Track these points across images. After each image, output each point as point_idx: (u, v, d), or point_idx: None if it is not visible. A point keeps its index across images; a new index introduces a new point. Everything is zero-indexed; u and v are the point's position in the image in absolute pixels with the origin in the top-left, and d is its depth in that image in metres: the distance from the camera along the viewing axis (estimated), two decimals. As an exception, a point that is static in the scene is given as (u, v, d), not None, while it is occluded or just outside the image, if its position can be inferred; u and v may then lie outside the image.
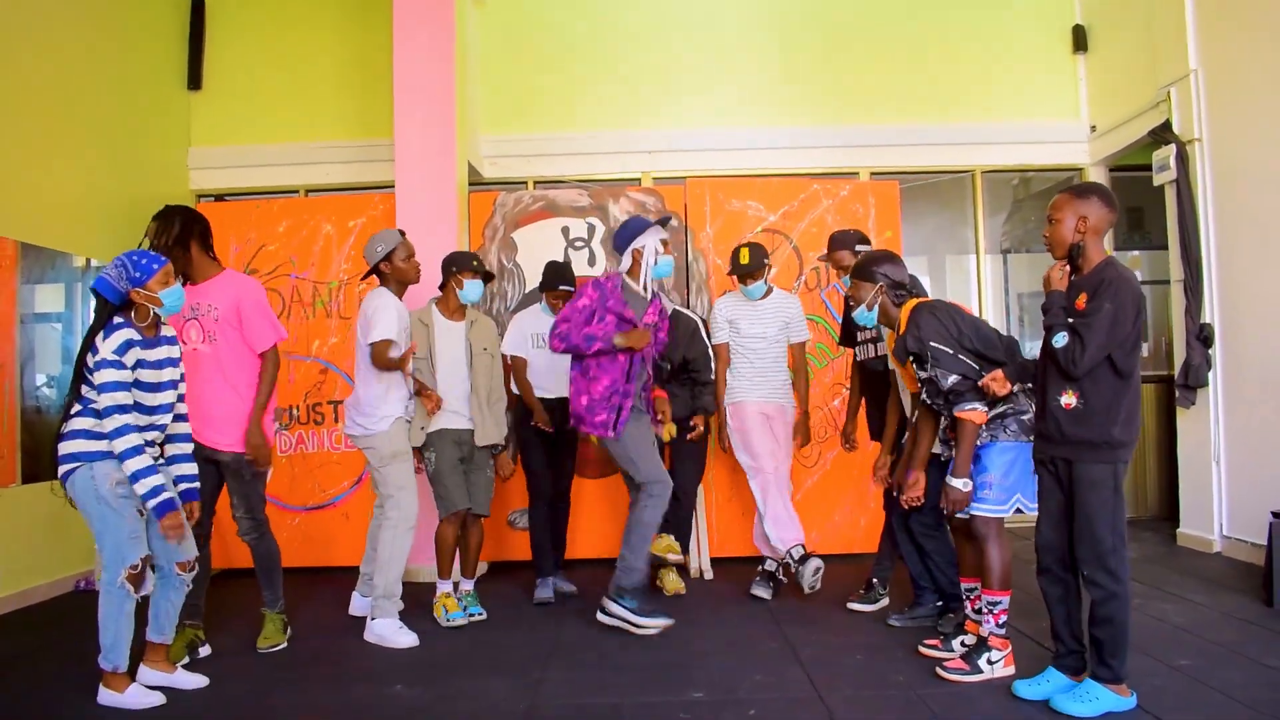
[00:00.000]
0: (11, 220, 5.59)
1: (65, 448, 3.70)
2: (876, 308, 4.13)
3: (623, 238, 4.79)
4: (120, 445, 3.63)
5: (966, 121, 7.64)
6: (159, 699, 3.78)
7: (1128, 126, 7.07)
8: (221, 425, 4.27)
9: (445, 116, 6.19)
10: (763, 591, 5.28)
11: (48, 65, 5.97)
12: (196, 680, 3.95)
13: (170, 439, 3.96)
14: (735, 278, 5.40)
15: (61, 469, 3.71)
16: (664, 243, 4.80)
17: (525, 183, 7.48)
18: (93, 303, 3.82)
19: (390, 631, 4.60)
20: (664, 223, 4.83)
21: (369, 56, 7.48)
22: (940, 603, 4.58)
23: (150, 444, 3.77)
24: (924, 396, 4.03)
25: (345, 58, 7.65)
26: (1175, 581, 5.32)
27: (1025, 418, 3.86)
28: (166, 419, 3.88)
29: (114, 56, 6.68)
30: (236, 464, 4.34)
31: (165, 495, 3.71)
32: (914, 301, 4.04)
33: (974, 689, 3.69)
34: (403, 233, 4.83)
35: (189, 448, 4.02)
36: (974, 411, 3.80)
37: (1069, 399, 3.42)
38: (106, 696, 3.75)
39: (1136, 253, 8.13)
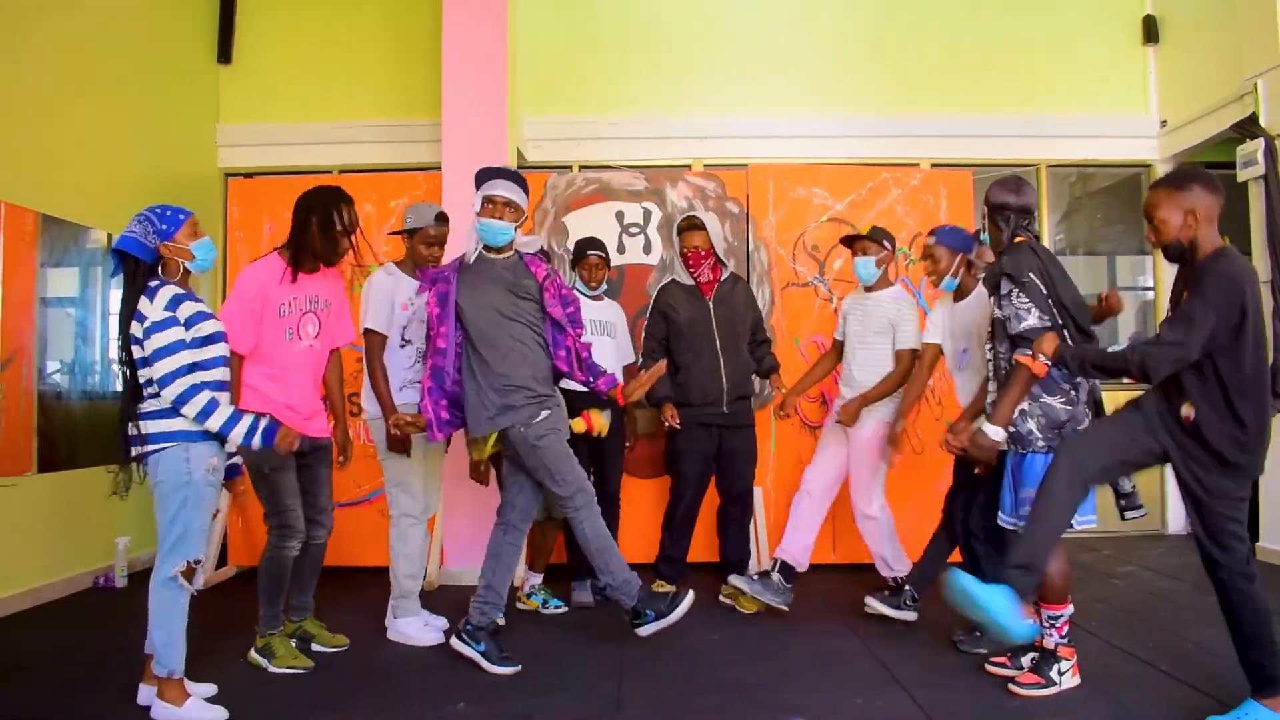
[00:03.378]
0: (32, 191, 5.25)
1: (151, 426, 3.34)
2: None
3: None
4: (193, 409, 3.30)
5: (1031, 114, 7.33)
6: (223, 713, 3.39)
7: (1203, 121, 6.77)
8: (318, 416, 4.13)
9: (496, 96, 5.87)
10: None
11: (72, 35, 5.66)
12: (213, 714, 3.40)
13: None
14: (850, 250, 4.91)
15: (148, 448, 3.35)
16: (495, 201, 3.98)
17: (570, 166, 7.15)
18: (112, 284, 3.44)
19: (414, 630, 4.43)
20: (507, 175, 4.07)
21: (408, 34, 7.20)
22: None
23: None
24: (988, 343, 3.85)
25: (383, 34, 7.35)
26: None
27: (1083, 430, 3.64)
28: (222, 373, 3.52)
29: (140, 26, 6.36)
30: (329, 450, 4.24)
31: (265, 424, 3.49)
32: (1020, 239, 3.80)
33: (1098, 715, 3.37)
34: (443, 218, 4.51)
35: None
36: (1035, 359, 3.48)
37: (1187, 410, 3.13)
38: (161, 709, 3.36)
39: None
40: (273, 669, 3.93)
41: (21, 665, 4.10)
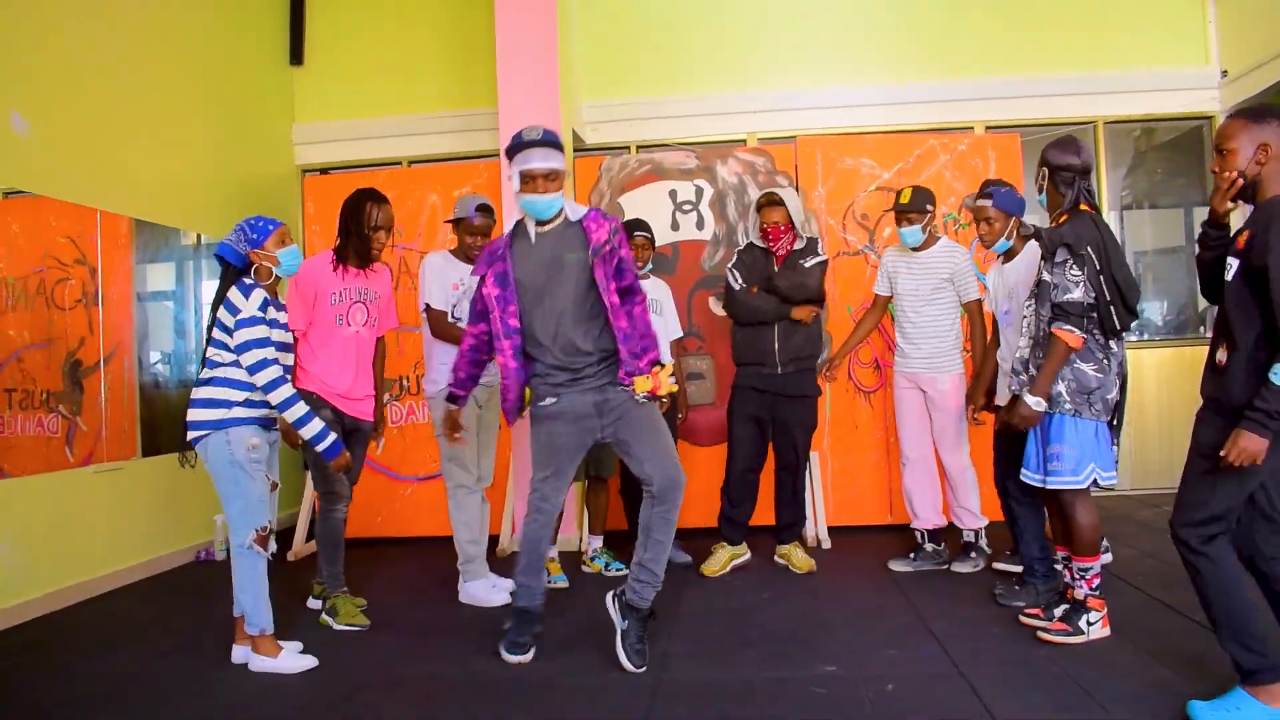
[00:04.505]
0: (125, 197, 5.65)
1: (195, 414, 3.72)
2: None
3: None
4: (277, 397, 3.70)
5: (1087, 70, 7.23)
6: (312, 661, 3.83)
7: (1264, 69, 6.64)
8: (366, 400, 4.51)
9: (548, 83, 6.07)
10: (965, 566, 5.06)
11: (155, 45, 6.02)
12: (305, 662, 3.85)
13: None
14: (895, 219, 5.03)
15: (193, 434, 3.74)
16: (535, 177, 3.62)
17: (628, 147, 7.34)
18: (209, 279, 3.86)
19: (483, 591, 4.74)
20: (539, 143, 3.65)
21: (467, 26, 7.43)
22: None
23: (256, 403, 3.81)
24: (1027, 303, 3.90)
25: (443, 28, 7.60)
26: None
27: (1110, 397, 3.75)
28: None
29: (218, 35, 6.73)
30: (367, 433, 4.60)
31: (328, 442, 3.87)
32: (1083, 206, 3.83)
33: (1127, 667, 3.48)
34: (484, 208, 4.79)
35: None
36: (1071, 334, 3.63)
37: (1221, 354, 2.95)
38: (258, 662, 3.80)
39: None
40: (336, 626, 4.33)
41: (131, 631, 4.54)
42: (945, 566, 5.05)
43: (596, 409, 3.78)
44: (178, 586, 5.44)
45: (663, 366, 3.77)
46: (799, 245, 5.07)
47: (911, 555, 5.12)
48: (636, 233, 5.28)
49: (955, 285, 4.96)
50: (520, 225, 3.81)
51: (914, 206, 4.88)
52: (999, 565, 4.91)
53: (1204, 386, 3.06)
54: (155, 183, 5.95)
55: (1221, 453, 2.79)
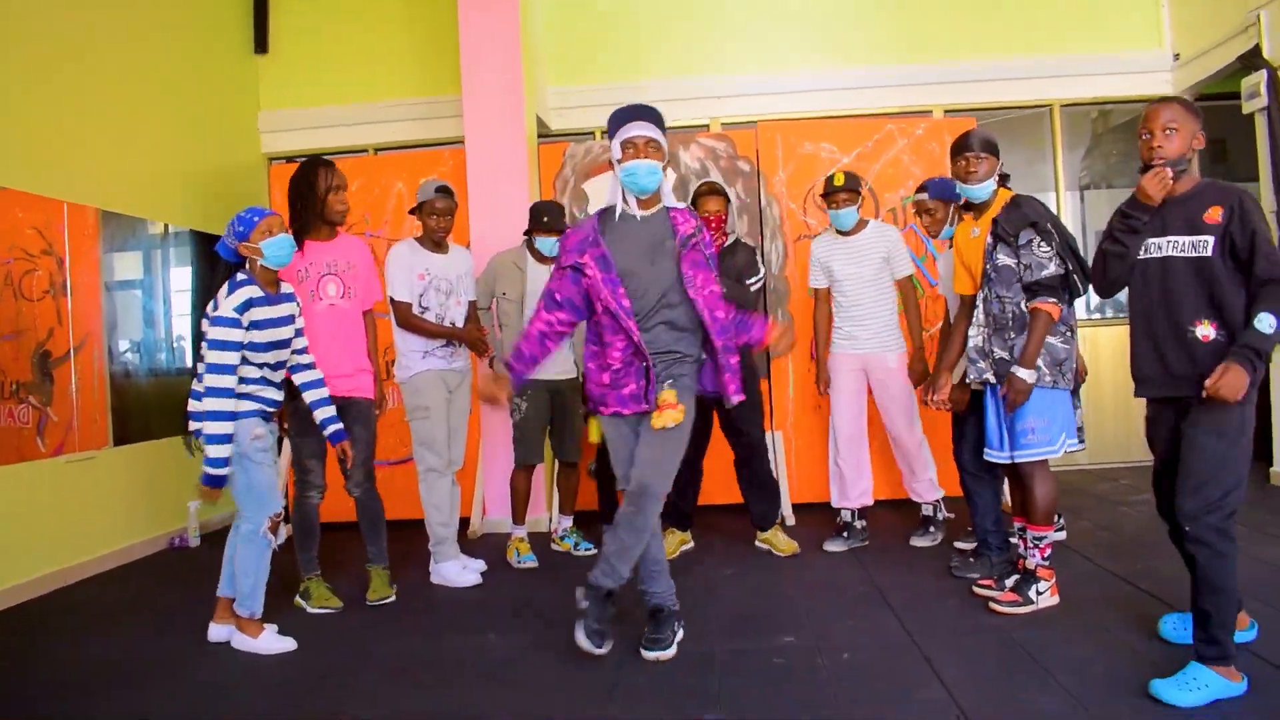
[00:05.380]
0: (92, 188, 5.68)
1: (201, 405, 3.74)
2: (992, 184, 4.06)
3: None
4: (211, 404, 3.66)
5: (1043, 55, 7.40)
6: (291, 644, 3.92)
7: (1213, 53, 6.80)
8: (356, 375, 4.46)
9: (512, 70, 6.14)
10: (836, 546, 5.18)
11: (119, 35, 6.04)
12: (284, 644, 3.93)
13: (306, 386, 4.12)
14: (825, 204, 5.09)
15: (195, 425, 3.79)
16: (636, 144, 3.48)
17: (593, 133, 7.42)
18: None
19: (454, 573, 4.82)
20: (638, 115, 3.52)
21: (432, 12, 7.47)
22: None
23: (269, 402, 3.91)
24: (992, 290, 3.96)
25: (408, 15, 7.64)
26: (1274, 524, 5.17)
27: (1071, 363, 3.93)
28: (279, 376, 3.98)
29: (182, 23, 6.74)
30: (368, 410, 4.52)
31: (220, 472, 3.69)
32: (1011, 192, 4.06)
33: (1074, 633, 3.62)
34: (443, 190, 4.81)
35: (325, 392, 4.16)
36: (1055, 305, 3.80)
37: (1206, 330, 3.00)
38: (241, 641, 3.91)
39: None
40: (310, 609, 4.42)
41: (108, 615, 4.63)
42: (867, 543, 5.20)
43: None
44: (153, 572, 5.52)
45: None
46: (727, 243, 5.07)
47: (845, 535, 5.20)
48: (539, 230, 5.13)
49: (891, 264, 5.08)
50: (607, 212, 3.62)
51: (849, 186, 4.97)
52: (959, 544, 4.99)
53: (1174, 369, 3.08)
54: (121, 173, 5.97)
55: (1208, 382, 2.85)
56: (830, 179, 5.01)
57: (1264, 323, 2.84)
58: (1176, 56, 7.32)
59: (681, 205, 3.70)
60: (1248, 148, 6.47)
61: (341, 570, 4.94)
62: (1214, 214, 2.97)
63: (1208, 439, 2.97)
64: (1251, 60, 6.18)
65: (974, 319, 4.06)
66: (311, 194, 4.37)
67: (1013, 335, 3.90)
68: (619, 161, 3.52)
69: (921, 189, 4.79)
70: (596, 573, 3.58)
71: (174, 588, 5.06)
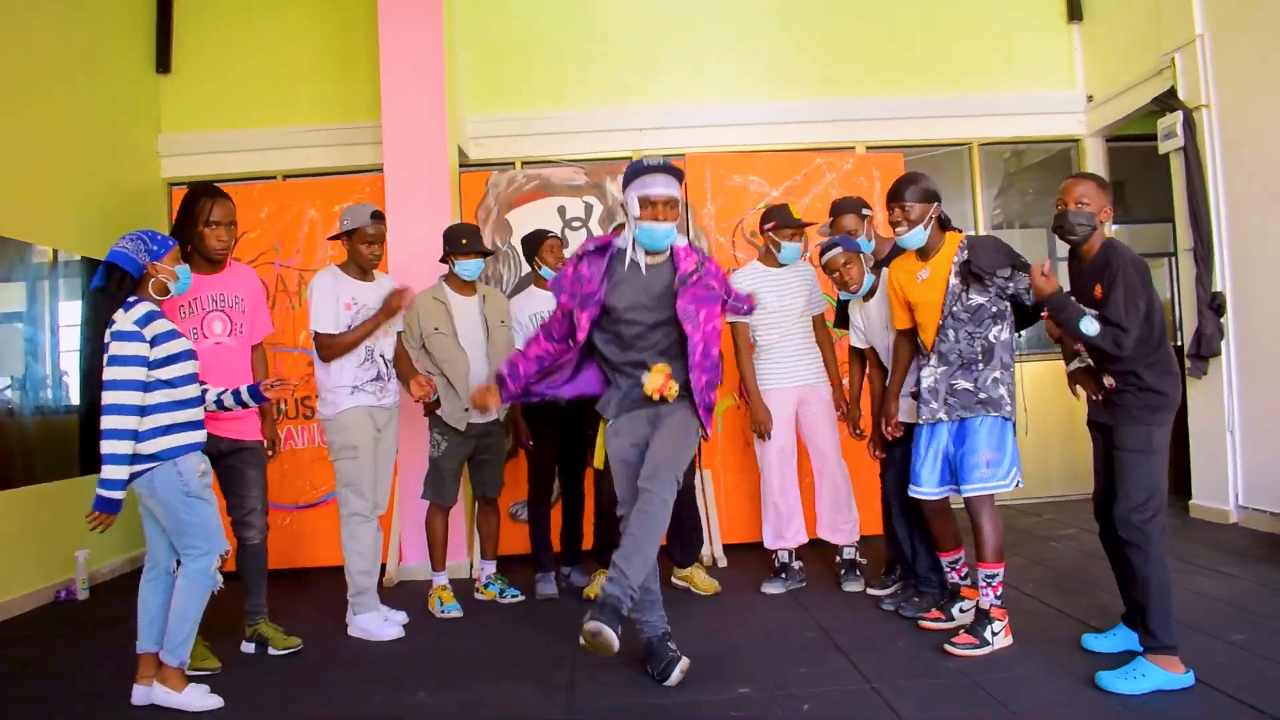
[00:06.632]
0: (-25, 210, 5.24)
1: (142, 447, 3.45)
2: (929, 229, 3.94)
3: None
4: (110, 422, 3.39)
5: (962, 93, 7.51)
6: (218, 701, 3.59)
7: (1127, 95, 6.97)
8: (245, 417, 4.18)
9: (435, 96, 5.94)
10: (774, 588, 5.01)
11: (9, 48, 5.63)
12: (211, 701, 3.60)
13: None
14: (770, 237, 4.94)
15: (140, 467, 3.47)
16: (655, 204, 3.56)
17: (513, 163, 7.22)
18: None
19: (374, 625, 4.51)
20: (660, 169, 3.59)
21: (347, 36, 7.24)
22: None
23: (192, 424, 3.63)
24: (959, 331, 3.89)
25: (322, 38, 7.37)
26: (1200, 554, 5.20)
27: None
28: (195, 390, 3.66)
29: (78, 37, 6.33)
30: (259, 452, 4.26)
31: (116, 495, 3.41)
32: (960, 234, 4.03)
33: (1024, 672, 3.54)
34: (378, 215, 4.55)
35: (219, 390, 3.89)
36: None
37: (1109, 380, 3.52)
38: (164, 696, 3.55)
39: (1117, 227, 7.92)
40: (274, 652, 4.23)
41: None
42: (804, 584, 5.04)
43: (649, 421, 3.74)
44: (37, 629, 5.03)
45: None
46: None
47: (783, 576, 5.04)
48: (550, 236, 5.25)
49: (810, 300, 5.04)
50: (617, 256, 3.70)
51: (801, 222, 4.92)
52: (872, 591, 4.83)
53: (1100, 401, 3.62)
54: (7, 194, 5.52)
55: (1035, 268, 3.47)
56: (785, 211, 4.93)
57: (1088, 325, 3.36)
58: (1090, 98, 7.48)
59: (684, 242, 3.73)
60: (1160, 186, 6.61)
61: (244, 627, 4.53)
62: (1098, 290, 3.41)
63: (1129, 456, 3.43)
64: (1166, 101, 6.32)
65: (926, 361, 4.00)
66: (192, 225, 4.08)
67: (980, 367, 3.87)
68: (636, 219, 3.58)
69: (830, 247, 4.49)
70: (609, 585, 3.36)
71: (64, 645, 4.61)
